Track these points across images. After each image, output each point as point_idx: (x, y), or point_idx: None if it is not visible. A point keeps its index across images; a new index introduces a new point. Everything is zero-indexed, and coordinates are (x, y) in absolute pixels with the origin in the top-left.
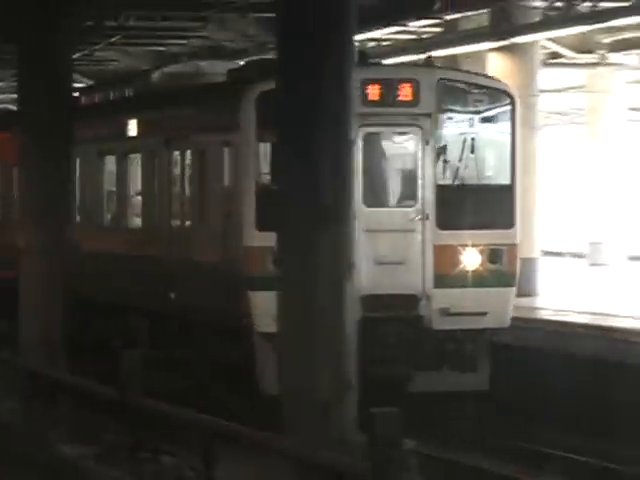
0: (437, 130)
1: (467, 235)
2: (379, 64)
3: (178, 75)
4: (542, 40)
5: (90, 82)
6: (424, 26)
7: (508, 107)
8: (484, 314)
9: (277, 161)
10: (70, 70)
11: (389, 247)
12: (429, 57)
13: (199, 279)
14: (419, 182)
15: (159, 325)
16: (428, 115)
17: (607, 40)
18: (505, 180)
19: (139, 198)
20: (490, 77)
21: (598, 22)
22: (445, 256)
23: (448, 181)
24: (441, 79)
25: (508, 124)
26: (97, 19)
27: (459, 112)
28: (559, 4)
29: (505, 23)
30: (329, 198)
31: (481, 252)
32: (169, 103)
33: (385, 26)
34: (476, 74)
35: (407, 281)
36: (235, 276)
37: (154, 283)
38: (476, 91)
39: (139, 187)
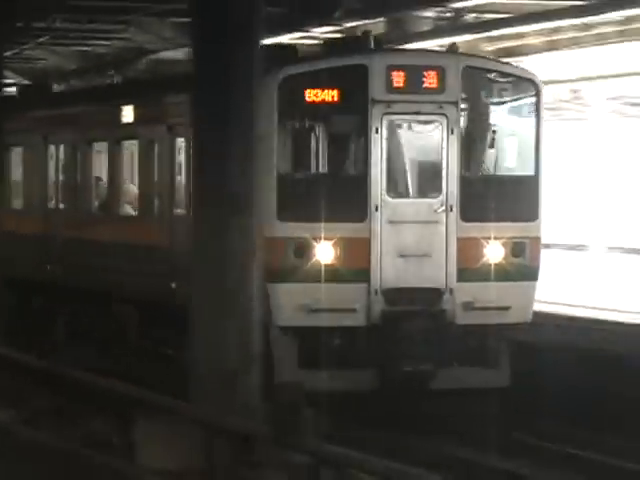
0: (462, 119)
1: (491, 228)
2: (404, 50)
3: (170, 62)
4: (433, 47)
5: (20, 79)
6: (326, 32)
7: (534, 96)
8: (507, 309)
9: (194, 155)
10: (1, 67)
11: (412, 239)
12: (453, 44)
13: None
14: (443, 172)
15: (156, 315)
16: (453, 103)
17: (490, 48)
18: (530, 171)
19: (139, 185)
20: (515, 65)
21: (482, 31)
22: (468, 249)
23: (472, 172)
24: (467, 66)
25: (533, 114)
26: (27, 20)
27: (484, 101)
28: (448, 15)
29: (398, 31)
30: (237, 190)
31: (504, 245)
32: (170, 89)
33: (290, 32)
34: (501, 62)
35: (430, 274)
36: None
37: (153, 273)
38: (502, 79)
39: (138, 175)
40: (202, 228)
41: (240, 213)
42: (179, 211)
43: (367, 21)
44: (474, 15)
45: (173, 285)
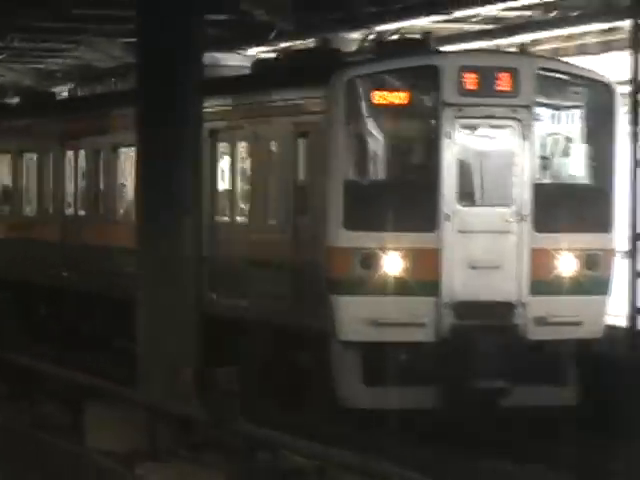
0: (536, 124)
1: (564, 238)
2: (476, 50)
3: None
4: None
5: None
6: (261, 52)
7: (609, 101)
8: (580, 324)
9: (144, 167)
10: None
11: (484, 250)
12: (523, 45)
13: (258, 280)
14: (516, 180)
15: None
16: (527, 107)
17: None
18: (604, 180)
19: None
20: (590, 69)
21: None
22: (542, 261)
23: (546, 180)
24: (541, 68)
25: (609, 119)
26: None
27: (559, 105)
28: (372, 37)
29: None
30: (184, 192)
31: (578, 257)
32: (217, 91)
33: (229, 52)
34: (575, 65)
35: (502, 287)
36: (315, 279)
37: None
38: (576, 83)
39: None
40: (150, 233)
41: (186, 214)
42: (223, 219)
43: (298, 42)
44: (396, 37)
45: (214, 297)
